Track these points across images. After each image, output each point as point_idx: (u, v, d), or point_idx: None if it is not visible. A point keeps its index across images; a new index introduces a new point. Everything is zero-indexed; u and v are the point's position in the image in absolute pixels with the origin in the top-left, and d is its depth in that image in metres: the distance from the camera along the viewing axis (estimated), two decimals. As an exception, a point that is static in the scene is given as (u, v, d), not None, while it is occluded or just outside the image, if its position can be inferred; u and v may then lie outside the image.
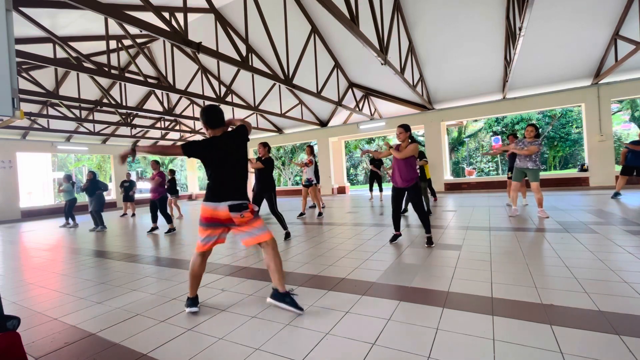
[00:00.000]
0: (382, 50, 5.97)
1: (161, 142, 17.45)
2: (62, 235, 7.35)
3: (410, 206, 6.86)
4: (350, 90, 11.43)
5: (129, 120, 12.38)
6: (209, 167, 2.34)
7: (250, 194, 4.95)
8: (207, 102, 12.69)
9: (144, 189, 25.63)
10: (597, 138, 9.39)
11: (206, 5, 6.71)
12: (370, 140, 24.29)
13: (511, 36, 6.94)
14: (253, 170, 5.00)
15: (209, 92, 11.25)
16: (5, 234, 8.44)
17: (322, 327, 2.05)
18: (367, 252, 3.81)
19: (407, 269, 3.10)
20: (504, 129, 22.93)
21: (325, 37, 9.33)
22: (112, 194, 16.00)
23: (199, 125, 15.22)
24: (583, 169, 10.04)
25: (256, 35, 8.60)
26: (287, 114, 11.74)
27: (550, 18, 7.49)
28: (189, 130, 14.96)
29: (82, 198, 11.09)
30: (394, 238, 4.21)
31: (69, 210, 8.74)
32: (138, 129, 14.60)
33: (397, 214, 4.16)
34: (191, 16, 8.23)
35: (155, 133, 15.95)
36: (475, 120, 22.29)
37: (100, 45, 8.43)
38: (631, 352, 1.57)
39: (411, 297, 2.42)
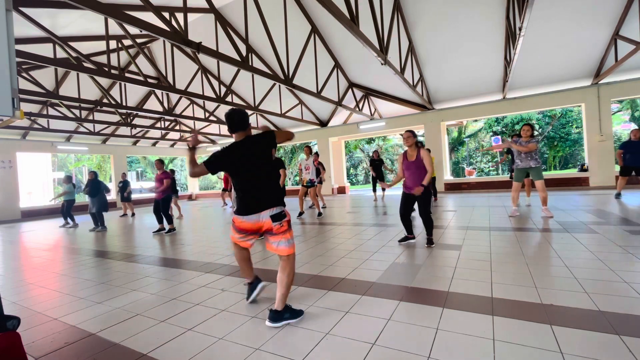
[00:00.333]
0: (382, 50, 5.97)
1: (161, 143, 17.47)
2: (62, 235, 7.35)
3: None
4: (350, 90, 11.43)
5: (129, 120, 12.38)
6: (232, 176, 2.28)
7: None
8: (207, 102, 12.73)
9: (143, 189, 25.64)
10: (597, 138, 9.39)
11: (206, 5, 6.70)
12: (370, 140, 24.30)
13: (511, 36, 6.94)
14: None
15: (209, 92, 11.24)
16: (5, 234, 8.44)
17: (322, 327, 2.05)
18: (367, 252, 3.81)
19: (407, 269, 3.10)
20: (504, 129, 22.93)
21: (325, 37, 9.33)
22: (112, 194, 15.99)
23: (199, 125, 15.23)
24: (583, 169, 10.03)
25: (256, 35, 8.59)
26: (287, 114, 11.74)
27: (550, 18, 7.49)
28: (189, 130, 14.95)
29: (82, 198, 11.09)
30: (405, 239, 4.17)
31: (67, 210, 8.74)
32: (138, 129, 14.60)
33: (406, 217, 4.11)
34: (191, 16, 8.23)
35: (155, 133, 15.95)
36: (475, 120, 22.28)
37: (100, 45, 8.43)
38: (631, 352, 1.57)
39: (411, 297, 2.42)
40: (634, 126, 20.24)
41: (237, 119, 2.28)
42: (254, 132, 2.39)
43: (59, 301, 2.89)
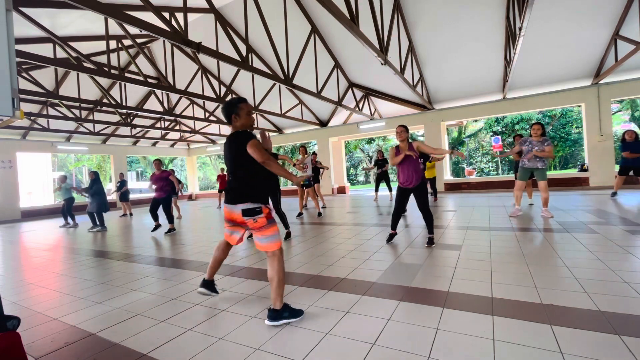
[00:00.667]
0: (382, 50, 5.97)
1: (161, 143, 17.47)
2: (62, 235, 7.35)
3: (408, 205, 6.84)
4: (350, 90, 11.43)
5: (129, 120, 12.38)
6: None
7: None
8: (207, 102, 12.73)
9: (143, 189, 25.62)
10: (597, 138, 9.39)
11: (206, 5, 6.70)
12: (370, 140, 24.30)
13: (511, 36, 6.94)
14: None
15: (209, 92, 11.25)
16: (5, 234, 8.44)
17: (322, 327, 2.05)
18: (367, 252, 3.81)
19: (407, 269, 3.10)
20: (504, 129, 22.94)
21: (325, 37, 9.33)
22: (111, 194, 15.99)
23: (199, 125, 15.23)
24: (583, 169, 10.04)
25: (256, 35, 8.60)
26: (287, 114, 11.75)
27: (550, 18, 7.49)
28: (189, 130, 14.96)
29: (81, 197, 11.08)
30: (390, 238, 4.25)
31: (68, 209, 8.73)
32: (138, 129, 14.60)
33: (399, 213, 4.19)
34: (191, 16, 8.23)
35: (156, 133, 15.95)
36: (475, 120, 22.28)
37: (100, 45, 8.43)
38: (631, 352, 1.57)
39: (411, 297, 2.42)
40: (633, 126, 20.25)
41: (224, 115, 2.38)
42: (255, 132, 2.41)
43: (59, 301, 2.89)
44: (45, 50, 7.29)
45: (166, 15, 6.55)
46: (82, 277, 3.63)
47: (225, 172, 7.59)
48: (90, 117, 11.88)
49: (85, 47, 8.44)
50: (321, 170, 9.14)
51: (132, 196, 11.57)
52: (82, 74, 8.18)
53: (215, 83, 11.47)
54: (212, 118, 13.49)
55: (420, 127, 12.45)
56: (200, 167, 28.81)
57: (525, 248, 3.55)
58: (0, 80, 1.40)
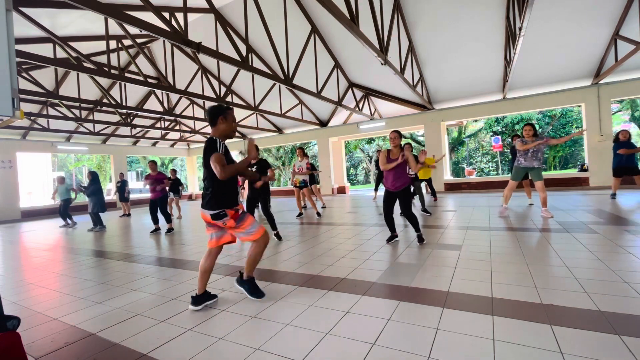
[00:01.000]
0: (382, 50, 5.97)
1: (161, 143, 17.48)
2: (62, 235, 7.35)
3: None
4: (350, 90, 11.43)
5: (129, 120, 12.38)
6: None
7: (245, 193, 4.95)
8: (207, 102, 12.73)
9: (143, 189, 25.58)
10: (597, 138, 9.39)
11: (206, 5, 6.70)
12: (370, 140, 24.30)
13: (511, 36, 6.94)
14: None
15: (209, 92, 11.25)
16: (5, 234, 8.44)
17: (322, 327, 2.05)
18: (367, 252, 3.81)
19: (407, 269, 3.10)
20: (504, 129, 22.95)
21: (325, 37, 9.33)
22: (111, 194, 16.01)
23: (199, 125, 15.24)
24: (583, 169, 10.04)
25: (256, 35, 8.60)
26: (287, 114, 11.75)
27: (550, 18, 7.49)
28: (189, 130, 14.96)
29: (82, 197, 11.08)
30: (391, 238, 4.28)
31: (65, 210, 8.74)
32: (138, 129, 14.60)
33: (390, 216, 4.23)
34: (191, 16, 8.23)
35: (156, 133, 15.95)
36: (475, 120, 22.28)
37: (100, 45, 8.43)
38: (631, 352, 1.57)
39: (411, 297, 2.42)
40: (633, 126, 20.25)
41: (208, 117, 2.48)
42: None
43: (59, 301, 2.89)
44: (45, 50, 7.29)
45: (166, 15, 6.55)
46: (82, 277, 3.63)
47: None
48: (90, 117, 11.88)
49: (85, 47, 8.44)
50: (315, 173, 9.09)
51: (132, 196, 11.56)
52: (82, 74, 8.18)
53: (215, 83, 11.47)
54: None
55: (420, 127, 12.45)
56: (199, 167, 28.81)
57: (525, 248, 3.55)
58: (0, 80, 1.40)
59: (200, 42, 5.08)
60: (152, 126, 12.96)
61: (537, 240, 3.90)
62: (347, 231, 5.31)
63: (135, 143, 16.40)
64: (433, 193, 9.06)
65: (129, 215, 11.00)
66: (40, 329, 2.32)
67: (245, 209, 2.52)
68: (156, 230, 6.56)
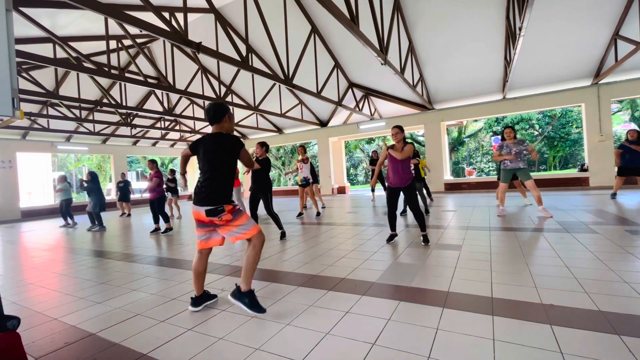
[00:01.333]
0: (382, 50, 5.97)
1: (161, 143, 17.47)
2: (62, 235, 7.35)
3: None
4: (350, 90, 11.43)
5: (129, 120, 12.38)
6: (198, 164, 2.46)
7: (247, 193, 4.98)
8: (207, 102, 12.73)
9: (143, 188, 25.51)
10: (597, 138, 9.39)
11: (206, 5, 6.71)
12: (370, 140, 24.29)
13: (511, 36, 6.94)
14: (245, 172, 4.97)
15: (209, 92, 11.25)
16: (5, 234, 8.44)
17: (322, 327, 2.05)
18: (367, 252, 3.81)
19: (407, 269, 3.10)
20: (504, 129, 22.93)
21: (325, 37, 9.33)
22: (111, 194, 16.00)
23: (199, 125, 15.24)
24: (583, 169, 10.04)
25: (256, 35, 8.60)
26: (287, 114, 11.74)
27: (550, 18, 7.49)
28: (189, 130, 14.96)
29: (82, 197, 11.08)
30: (391, 238, 4.26)
31: (66, 210, 8.74)
32: (138, 129, 14.60)
33: (393, 214, 4.21)
34: (191, 16, 8.23)
35: (156, 133, 15.95)
36: (475, 120, 22.29)
37: (100, 45, 8.43)
38: (631, 352, 1.57)
39: (411, 297, 2.42)
40: (633, 126, 20.25)
41: (212, 113, 2.43)
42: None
43: (59, 301, 2.89)
44: (45, 50, 7.29)
45: (166, 15, 6.55)
46: (82, 277, 3.63)
47: None
48: (90, 117, 11.88)
49: (85, 47, 8.44)
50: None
51: (132, 196, 11.54)
52: (82, 74, 8.18)
53: (215, 83, 11.47)
54: (212, 118, 13.46)
55: (420, 127, 12.45)
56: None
57: (525, 248, 3.55)
58: (0, 80, 1.40)
59: (200, 42, 5.08)
60: (152, 126, 12.95)
61: (537, 240, 3.90)
62: (347, 231, 5.31)
63: (135, 143, 16.39)
64: (428, 193, 9.06)
65: (129, 215, 11.00)
66: (40, 329, 2.32)
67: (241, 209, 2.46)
68: (156, 230, 6.57)
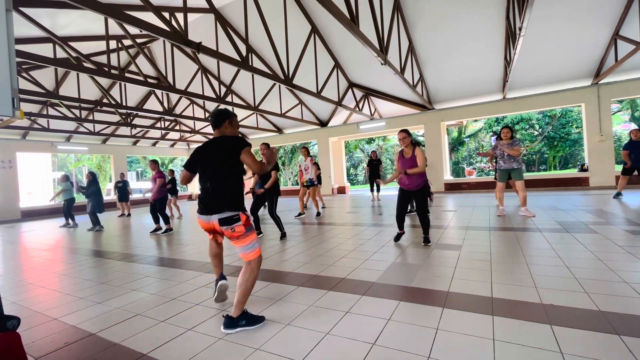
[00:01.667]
0: (382, 50, 5.97)
1: (161, 143, 17.47)
2: (62, 235, 7.35)
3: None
4: (350, 90, 11.43)
5: (129, 120, 12.38)
6: (200, 174, 2.32)
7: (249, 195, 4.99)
8: (207, 102, 12.74)
9: (143, 188, 25.60)
10: (597, 138, 9.39)
11: (206, 5, 6.71)
12: (370, 140, 24.30)
13: (511, 36, 6.94)
14: (249, 175, 4.95)
15: (209, 92, 11.25)
16: (5, 234, 8.44)
17: (322, 327, 2.05)
18: (367, 252, 3.81)
19: (407, 269, 3.10)
20: (501, 129, 22.93)
21: (325, 37, 9.32)
22: (111, 194, 16.00)
23: (199, 125, 15.23)
24: (583, 169, 10.03)
25: (256, 35, 8.60)
26: (287, 114, 11.74)
27: (550, 18, 7.49)
28: (189, 130, 14.96)
29: (82, 197, 11.08)
30: (398, 237, 4.24)
31: (68, 210, 8.74)
32: (138, 129, 14.60)
33: (402, 214, 4.18)
34: (191, 16, 8.23)
35: (155, 133, 15.95)
36: (475, 120, 22.29)
37: (100, 45, 8.43)
38: (631, 352, 1.57)
39: (411, 297, 2.42)
40: (633, 126, 20.25)
41: (213, 119, 2.34)
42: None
43: (59, 301, 2.89)
44: (45, 50, 7.29)
45: (166, 15, 6.55)
46: (82, 277, 3.63)
47: None
48: (90, 117, 11.88)
49: (85, 47, 8.44)
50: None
51: (131, 196, 11.55)
52: (82, 74, 8.18)
53: (215, 83, 11.47)
54: (212, 118, 13.46)
55: (420, 127, 12.44)
56: (200, 167, 28.74)
57: (525, 248, 3.55)
58: (0, 80, 1.40)
59: (200, 42, 5.08)
60: (152, 126, 12.95)
61: (537, 240, 3.89)
62: (347, 231, 5.30)
63: (135, 143, 16.39)
64: (429, 193, 9.07)
65: (129, 215, 11.00)
66: (40, 329, 2.32)
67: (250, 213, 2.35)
68: (156, 230, 6.57)
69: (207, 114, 13.58)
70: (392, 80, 9.69)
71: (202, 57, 9.89)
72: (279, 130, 15.50)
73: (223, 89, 11.52)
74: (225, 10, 8.54)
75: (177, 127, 15.30)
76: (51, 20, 7.09)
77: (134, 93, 11.97)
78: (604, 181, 9.34)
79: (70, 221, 8.86)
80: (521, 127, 22.60)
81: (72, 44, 7.35)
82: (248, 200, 4.37)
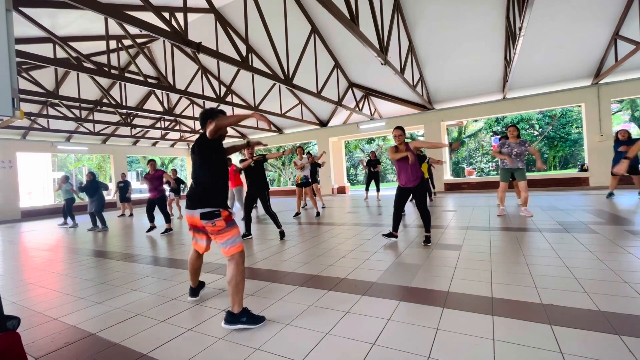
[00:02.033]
0: (382, 50, 5.97)
1: (161, 142, 17.48)
2: (62, 235, 7.35)
3: (407, 206, 6.86)
4: (350, 90, 11.43)
5: (129, 120, 12.38)
6: None
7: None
8: (207, 102, 12.73)
9: (143, 188, 25.52)
10: (597, 138, 9.39)
11: (206, 5, 6.71)
12: (370, 140, 24.30)
13: (511, 36, 6.94)
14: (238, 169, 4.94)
15: (209, 92, 11.25)
16: (5, 234, 8.44)
17: (322, 327, 2.05)
18: (367, 252, 3.81)
19: (407, 269, 3.10)
20: (504, 129, 22.94)
21: (325, 37, 9.32)
22: (111, 194, 15.98)
23: (199, 125, 15.21)
24: (583, 169, 10.04)
25: (256, 35, 8.60)
26: (287, 114, 11.74)
27: (550, 18, 7.49)
28: (189, 130, 14.96)
29: (82, 197, 11.07)
30: (389, 235, 4.26)
31: (69, 209, 8.74)
32: (138, 129, 14.60)
33: (399, 213, 4.21)
34: (191, 16, 8.23)
35: (156, 133, 15.95)
36: (475, 120, 22.29)
37: (100, 45, 8.43)
38: (631, 352, 1.57)
39: (411, 297, 2.42)
40: (633, 126, 20.24)
41: (206, 113, 2.39)
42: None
43: (59, 301, 2.89)
44: (45, 50, 7.29)
45: (166, 15, 6.55)
46: (82, 277, 3.63)
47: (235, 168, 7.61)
48: (90, 117, 11.88)
49: (85, 47, 8.44)
50: (321, 165, 9.12)
51: (133, 196, 11.54)
52: (82, 74, 8.18)
53: (215, 83, 11.47)
54: (212, 118, 13.46)
55: (420, 127, 12.44)
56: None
57: (525, 248, 3.55)
58: (0, 80, 1.40)
59: (200, 42, 5.08)
60: (152, 126, 12.95)
61: (537, 240, 3.89)
62: (347, 231, 5.30)
63: (135, 143, 16.39)
64: (429, 193, 9.08)
65: (131, 215, 11.01)
66: (40, 329, 2.32)
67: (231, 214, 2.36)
68: (152, 228, 6.54)
69: (207, 114, 13.57)
70: (392, 80, 9.69)
71: (202, 57, 9.89)
72: (279, 130, 15.49)
73: (223, 89, 11.52)
74: (225, 10, 8.53)
75: (177, 127, 15.30)
76: (51, 20, 7.08)
77: (134, 93, 11.97)
78: (604, 181, 9.33)
79: (69, 221, 8.86)
80: (521, 127, 22.58)
81: (72, 44, 7.35)
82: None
